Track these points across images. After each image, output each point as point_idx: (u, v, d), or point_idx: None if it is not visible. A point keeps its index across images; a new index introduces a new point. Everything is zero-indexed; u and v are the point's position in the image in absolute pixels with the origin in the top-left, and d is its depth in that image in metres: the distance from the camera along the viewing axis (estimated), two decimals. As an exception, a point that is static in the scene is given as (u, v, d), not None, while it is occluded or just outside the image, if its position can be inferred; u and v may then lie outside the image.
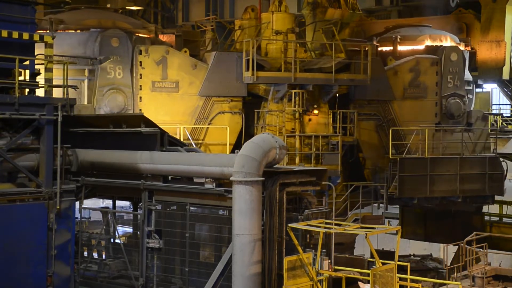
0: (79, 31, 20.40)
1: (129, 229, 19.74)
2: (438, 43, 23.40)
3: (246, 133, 20.62)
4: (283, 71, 20.38)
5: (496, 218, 24.69)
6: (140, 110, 19.73)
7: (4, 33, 13.38)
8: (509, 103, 31.34)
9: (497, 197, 23.13)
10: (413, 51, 23.15)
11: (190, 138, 19.85)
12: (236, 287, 13.26)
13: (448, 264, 18.85)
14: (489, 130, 23.84)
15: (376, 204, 21.98)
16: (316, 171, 14.72)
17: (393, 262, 12.66)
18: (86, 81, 19.89)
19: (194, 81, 20.46)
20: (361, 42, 22.53)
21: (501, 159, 22.25)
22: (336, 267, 14.03)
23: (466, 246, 17.41)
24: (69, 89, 14.41)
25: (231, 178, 13.35)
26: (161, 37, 22.12)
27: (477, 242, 17.74)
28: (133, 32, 20.68)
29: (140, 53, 20.01)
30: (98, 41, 19.87)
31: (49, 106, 13.77)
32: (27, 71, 14.41)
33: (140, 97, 20.01)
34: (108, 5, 23.87)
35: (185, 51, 20.79)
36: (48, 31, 19.74)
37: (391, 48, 23.45)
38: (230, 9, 37.50)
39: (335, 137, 20.71)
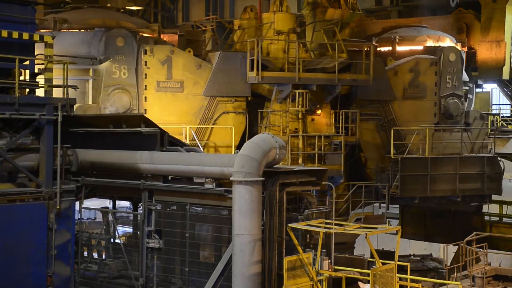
0: (83, 30, 20.36)
1: (129, 229, 19.73)
2: (436, 44, 23.44)
3: (250, 133, 20.59)
4: (286, 71, 20.39)
5: (496, 218, 24.72)
6: (145, 110, 19.71)
7: (4, 33, 13.38)
8: (509, 103, 31.36)
9: (497, 197, 23.17)
10: (411, 52, 23.20)
11: (196, 138, 19.83)
12: (236, 287, 13.26)
13: (448, 264, 18.85)
14: (489, 130, 23.90)
15: (377, 204, 22.02)
16: (316, 171, 14.72)
17: (393, 262, 12.66)
18: (90, 81, 19.86)
19: (198, 81, 20.43)
20: (360, 42, 22.57)
21: (499, 159, 22.32)
22: (336, 267, 14.03)
23: (466, 246, 17.42)
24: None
25: (231, 178, 13.35)
26: (162, 36, 22.11)
27: (477, 242, 17.75)
28: (137, 31, 20.64)
29: (145, 53, 19.95)
30: (103, 41, 19.80)
31: (49, 106, 13.77)
32: (27, 71, 14.41)
33: (145, 97, 19.97)
34: (108, 5, 23.80)
35: (189, 51, 20.77)
36: (52, 30, 19.72)
37: (390, 48, 23.49)
38: (230, 9, 37.51)
39: (338, 137, 20.74)
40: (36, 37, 13.94)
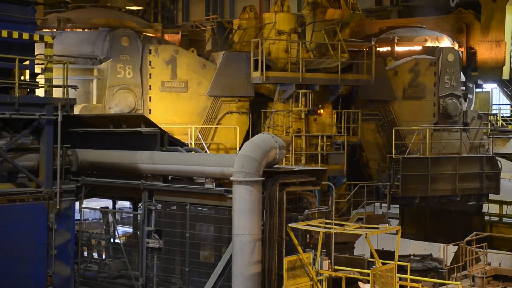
0: (87, 30, 20.30)
1: (129, 229, 19.73)
2: (434, 44, 23.49)
3: (253, 133, 20.57)
4: (289, 71, 20.38)
5: (496, 218, 24.74)
6: (150, 110, 19.68)
7: (4, 33, 13.37)
8: (509, 103, 31.40)
9: (497, 197, 23.20)
10: (410, 52, 23.24)
11: (201, 138, 19.81)
12: (236, 287, 13.25)
13: (448, 264, 18.85)
14: (489, 130, 23.96)
15: (378, 204, 22.04)
16: (316, 171, 14.70)
17: (393, 262, 12.66)
18: (95, 80, 19.81)
19: (202, 81, 20.40)
20: (360, 42, 22.59)
21: (497, 158, 22.39)
22: (336, 267, 14.03)
23: (466, 246, 17.42)
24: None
25: (231, 178, 13.35)
26: (164, 36, 22.08)
27: (477, 242, 17.75)
28: (141, 31, 20.59)
29: (150, 53, 19.89)
30: (108, 40, 19.74)
31: (49, 106, 13.76)
32: (27, 71, 14.41)
33: (150, 97, 19.92)
34: (109, 5, 23.76)
35: (193, 51, 20.73)
36: (55, 29, 19.66)
37: (389, 48, 23.53)
38: (230, 9, 37.54)
39: (341, 137, 20.75)
40: (36, 37, 13.93)
